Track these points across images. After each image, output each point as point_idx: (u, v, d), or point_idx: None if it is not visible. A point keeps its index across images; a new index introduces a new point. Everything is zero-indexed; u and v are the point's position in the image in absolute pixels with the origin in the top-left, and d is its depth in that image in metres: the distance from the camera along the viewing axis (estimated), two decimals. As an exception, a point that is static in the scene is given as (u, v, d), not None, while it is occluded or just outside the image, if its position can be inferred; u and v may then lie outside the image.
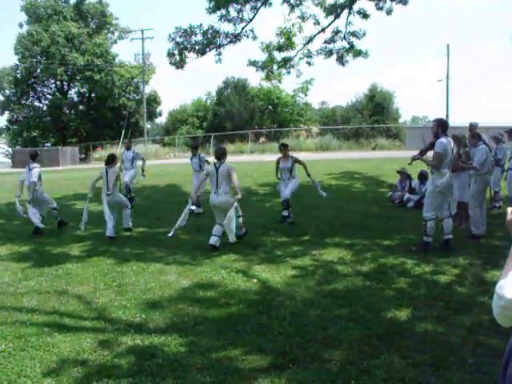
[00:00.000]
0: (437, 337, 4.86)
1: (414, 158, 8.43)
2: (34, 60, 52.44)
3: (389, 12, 18.07)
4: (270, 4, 17.74)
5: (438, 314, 5.46)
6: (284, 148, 11.27)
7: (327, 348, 4.68)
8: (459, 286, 6.42)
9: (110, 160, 10.28)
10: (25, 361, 4.67)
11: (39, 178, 10.70)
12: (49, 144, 56.72)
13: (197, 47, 17.44)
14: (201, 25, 17.35)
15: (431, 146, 8.24)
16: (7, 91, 54.53)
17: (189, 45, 17.39)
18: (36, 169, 10.66)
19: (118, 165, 11.49)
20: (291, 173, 11.16)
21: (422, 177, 12.18)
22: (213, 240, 8.76)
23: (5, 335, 5.27)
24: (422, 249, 8.05)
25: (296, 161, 11.16)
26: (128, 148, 14.65)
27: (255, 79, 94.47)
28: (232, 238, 8.56)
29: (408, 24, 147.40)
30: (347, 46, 18.96)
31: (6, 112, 55.50)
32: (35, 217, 10.50)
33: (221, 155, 8.94)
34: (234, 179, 8.66)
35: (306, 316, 5.50)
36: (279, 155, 11.42)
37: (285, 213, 10.97)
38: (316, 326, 5.21)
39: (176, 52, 17.37)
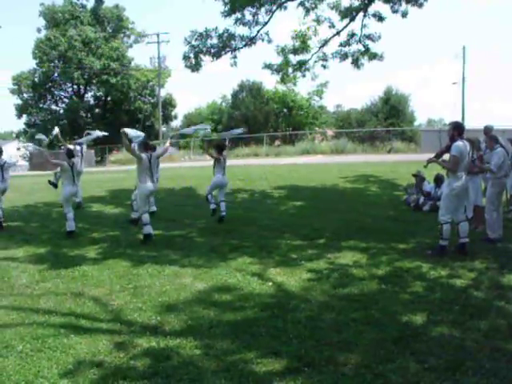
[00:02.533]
0: (453, 341, 4.83)
1: (429, 161, 8.39)
2: (52, 64, 53.02)
3: (404, 14, 18.01)
4: (285, 7, 17.79)
5: (454, 318, 5.42)
6: (220, 150, 11.87)
7: (342, 351, 4.67)
8: (475, 290, 6.37)
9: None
10: (42, 362, 4.72)
11: None
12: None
13: (212, 50, 17.54)
14: (216, 28, 17.45)
15: (447, 149, 8.20)
16: (25, 95, 55.25)
17: (204, 48, 17.49)
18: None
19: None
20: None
21: (438, 180, 12.09)
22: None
23: (22, 336, 5.33)
24: (438, 252, 7.99)
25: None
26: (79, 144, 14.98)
27: (270, 82, 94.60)
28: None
29: (424, 26, 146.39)
30: (362, 48, 18.94)
31: (24, 115, 56.19)
32: None
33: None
34: None
35: (321, 319, 5.49)
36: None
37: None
38: (331, 329, 5.20)
39: (192, 55, 17.46)
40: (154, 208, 12.15)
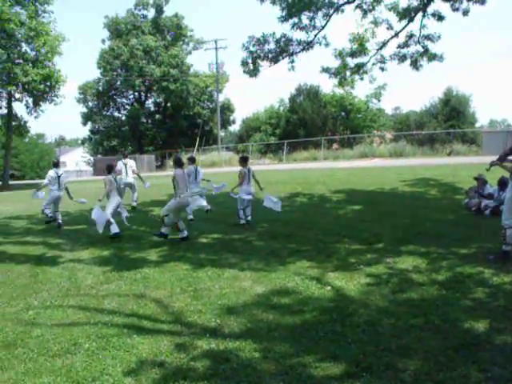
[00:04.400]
0: (517, 350, 4.69)
1: (492, 164, 8.14)
2: (115, 73, 54.80)
3: (465, 13, 17.53)
4: (343, 10, 17.72)
5: (519, 326, 5.26)
6: (244, 161, 12.38)
7: (401, 357, 4.62)
8: (542, 297, 6.16)
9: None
10: (107, 360, 4.91)
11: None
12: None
13: (270, 55, 17.64)
14: (274, 33, 17.55)
15: (511, 151, 7.96)
16: (90, 103, 57.46)
17: (262, 53, 17.61)
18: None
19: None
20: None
21: (502, 183, 11.70)
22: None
23: (88, 335, 5.56)
24: (501, 258, 7.75)
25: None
26: (125, 156, 16.51)
27: (328, 85, 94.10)
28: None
29: (484, 23, 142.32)
30: (421, 49, 18.58)
31: (89, 123, 58.30)
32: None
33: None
34: None
35: (380, 324, 5.45)
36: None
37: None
38: (390, 334, 5.15)
39: (250, 61, 17.63)
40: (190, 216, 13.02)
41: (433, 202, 14.45)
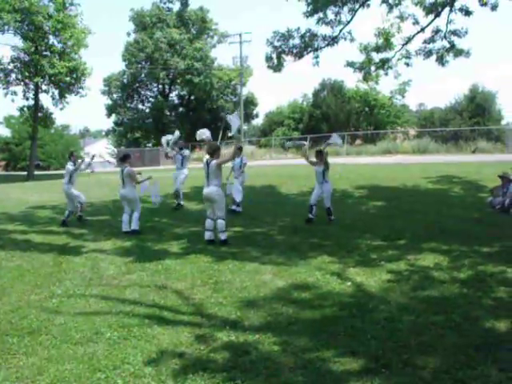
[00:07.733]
0: (540, 350, 4.64)
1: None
2: (139, 65, 55.17)
3: (494, 8, 17.21)
4: (368, 5, 17.54)
5: (542, 326, 5.19)
6: (320, 154, 11.35)
7: (421, 355, 4.60)
8: None
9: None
10: (128, 349, 4.97)
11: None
12: (150, 144, 59.41)
13: (294, 51, 17.59)
14: (298, 28, 17.53)
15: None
16: (114, 95, 57.97)
17: (286, 48, 17.57)
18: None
19: None
20: (324, 177, 11.32)
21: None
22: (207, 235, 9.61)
23: (110, 324, 5.63)
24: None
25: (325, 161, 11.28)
26: (181, 148, 15.09)
27: (351, 81, 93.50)
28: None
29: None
30: (448, 45, 18.34)
31: (113, 114, 58.80)
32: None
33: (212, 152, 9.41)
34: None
35: (400, 321, 5.43)
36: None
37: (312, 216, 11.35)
38: (410, 331, 5.13)
39: (274, 56, 17.60)
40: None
41: (456, 199, 14.32)
